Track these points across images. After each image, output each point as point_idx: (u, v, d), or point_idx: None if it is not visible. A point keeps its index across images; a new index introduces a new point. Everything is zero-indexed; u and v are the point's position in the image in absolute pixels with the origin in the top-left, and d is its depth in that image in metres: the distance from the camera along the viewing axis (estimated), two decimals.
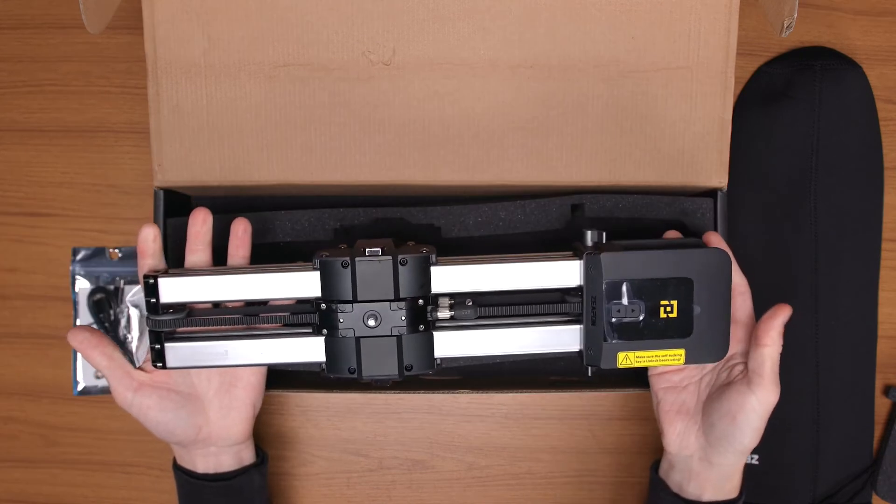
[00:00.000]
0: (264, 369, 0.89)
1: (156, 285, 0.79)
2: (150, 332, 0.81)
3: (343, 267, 0.77)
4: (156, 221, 0.91)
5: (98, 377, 1.07)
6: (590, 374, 0.81)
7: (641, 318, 0.78)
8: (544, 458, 1.09)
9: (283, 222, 0.92)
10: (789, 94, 1.03)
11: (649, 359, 0.79)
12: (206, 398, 0.87)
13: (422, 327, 0.79)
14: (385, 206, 0.92)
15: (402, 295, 0.78)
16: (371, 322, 0.78)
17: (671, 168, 0.89)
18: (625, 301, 0.77)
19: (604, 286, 0.77)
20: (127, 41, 1.06)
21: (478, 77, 0.87)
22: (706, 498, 0.85)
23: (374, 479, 1.09)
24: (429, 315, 0.80)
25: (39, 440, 1.09)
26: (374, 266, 0.77)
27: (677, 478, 0.88)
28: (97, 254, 1.07)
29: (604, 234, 0.80)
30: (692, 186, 0.89)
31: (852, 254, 1.04)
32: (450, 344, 0.81)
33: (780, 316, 0.78)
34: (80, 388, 1.08)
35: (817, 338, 1.03)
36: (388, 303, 0.78)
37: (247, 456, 0.91)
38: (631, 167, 0.89)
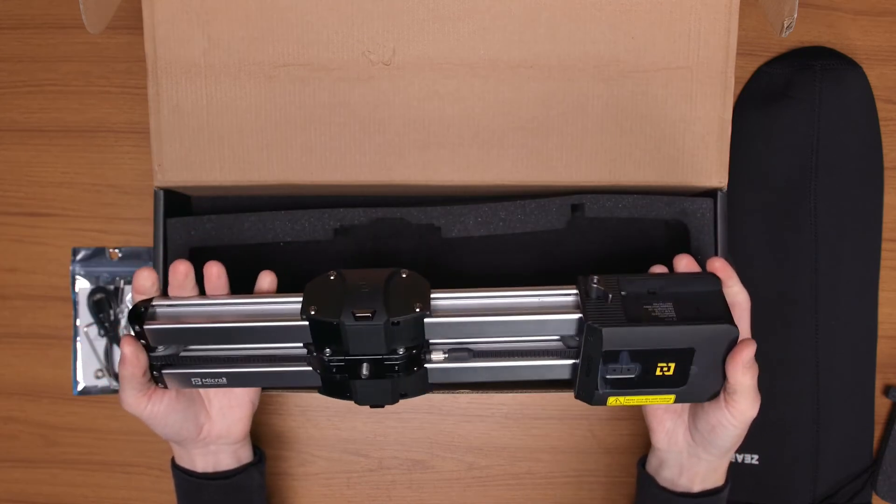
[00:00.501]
0: None
1: (143, 333, 0.78)
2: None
3: (334, 325, 0.75)
4: (156, 221, 0.90)
5: (98, 377, 1.07)
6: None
7: (636, 375, 0.77)
8: (544, 458, 1.09)
9: (283, 222, 0.92)
10: (789, 94, 1.03)
11: (639, 400, 0.79)
12: (208, 397, 0.88)
13: (416, 368, 0.78)
14: (385, 206, 0.92)
15: (394, 347, 0.76)
16: (365, 371, 0.77)
17: (671, 168, 0.89)
18: (622, 364, 0.76)
19: (602, 353, 0.75)
20: (127, 41, 1.06)
21: (478, 77, 0.87)
22: (696, 489, 0.86)
23: (374, 479, 1.09)
24: (423, 357, 0.79)
25: (39, 440, 1.09)
26: (365, 328, 0.74)
27: (667, 473, 0.88)
28: (97, 254, 1.07)
29: (608, 281, 0.78)
30: (692, 186, 0.89)
31: (852, 254, 1.04)
32: (444, 374, 0.80)
33: (742, 354, 0.76)
34: (80, 388, 1.08)
35: (817, 338, 1.03)
36: (381, 356, 0.77)
37: (245, 454, 0.92)
38: (631, 167, 0.89)
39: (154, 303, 0.79)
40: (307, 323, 0.75)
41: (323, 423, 1.09)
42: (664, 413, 0.87)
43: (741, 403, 0.78)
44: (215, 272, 0.82)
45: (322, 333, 0.76)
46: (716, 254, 0.90)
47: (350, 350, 0.76)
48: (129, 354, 0.79)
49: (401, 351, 0.76)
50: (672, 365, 0.76)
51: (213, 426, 0.88)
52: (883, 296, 1.05)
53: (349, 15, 0.86)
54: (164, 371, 0.81)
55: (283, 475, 1.09)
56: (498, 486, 1.09)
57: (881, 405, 1.07)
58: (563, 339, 0.78)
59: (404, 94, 0.87)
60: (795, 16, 0.79)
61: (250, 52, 0.87)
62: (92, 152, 1.07)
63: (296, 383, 0.81)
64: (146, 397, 0.82)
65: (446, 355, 0.79)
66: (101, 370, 1.07)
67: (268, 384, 0.84)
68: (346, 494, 1.10)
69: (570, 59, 0.87)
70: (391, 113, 0.87)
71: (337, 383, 0.79)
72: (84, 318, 1.07)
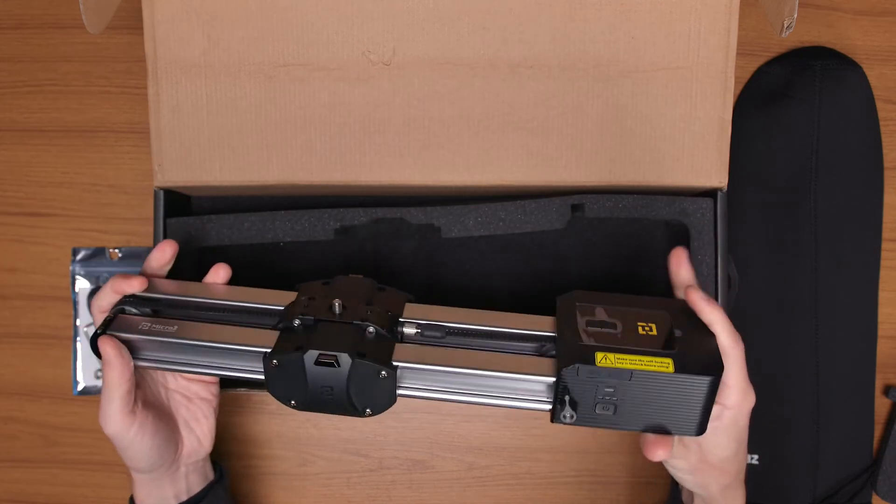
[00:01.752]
0: (216, 380, 0.87)
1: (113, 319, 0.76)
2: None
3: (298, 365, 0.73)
4: (156, 221, 0.91)
5: (98, 377, 1.07)
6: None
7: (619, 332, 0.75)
8: (544, 458, 1.09)
9: (284, 222, 0.92)
10: (789, 94, 1.03)
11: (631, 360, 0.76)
12: (176, 411, 0.85)
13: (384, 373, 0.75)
14: (385, 206, 0.92)
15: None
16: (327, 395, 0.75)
17: (671, 168, 0.89)
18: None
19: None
20: (127, 41, 1.06)
21: (478, 77, 0.87)
22: None
23: (374, 479, 1.09)
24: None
25: (39, 440, 1.09)
26: (328, 373, 0.73)
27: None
28: (97, 254, 1.07)
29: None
30: (692, 186, 0.89)
31: (852, 254, 1.04)
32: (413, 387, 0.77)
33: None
34: (80, 388, 1.08)
35: (817, 338, 1.03)
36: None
37: (208, 471, 0.89)
38: (631, 167, 0.89)
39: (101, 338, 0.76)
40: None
41: (323, 423, 1.09)
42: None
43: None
44: (223, 275, 0.81)
45: (286, 370, 0.74)
46: (716, 253, 0.90)
47: (310, 384, 0.74)
48: (117, 357, 0.74)
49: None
50: (653, 325, 0.75)
51: (184, 443, 0.84)
52: (883, 296, 1.05)
53: (349, 15, 0.86)
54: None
55: (283, 475, 1.09)
56: (498, 486, 1.09)
57: (881, 405, 1.06)
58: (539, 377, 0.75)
59: (404, 94, 0.87)
60: (795, 16, 0.79)
61: (250, 51, 0.87)
62: (92, 152, 1.07)
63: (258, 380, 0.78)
64: (133, 415, 0.77)
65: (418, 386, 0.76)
66: (101, 370, 1.06)
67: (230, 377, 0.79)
68: (346, 494, 1.10)
69: (570, 58, 0.87)
70: (391, 113, 0.87)
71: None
72: (84, 318, 1.07)
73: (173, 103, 0.87)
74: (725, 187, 0.89)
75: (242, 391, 0.98)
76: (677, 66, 0.87)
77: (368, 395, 0.74)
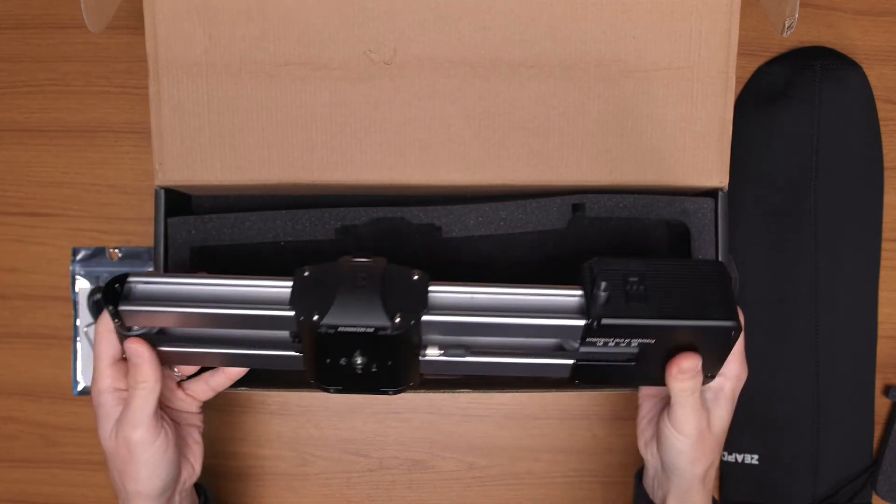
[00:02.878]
0: (199, 408, 0.85)
1: (118, 314, 0.72)
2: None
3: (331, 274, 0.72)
4: (156, 220, 0.90)
5: None
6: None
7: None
8: (544, 458, 1.09)
9: (284, 222, 0.92)
10: (789, 94, 1.03)
11: None
12: (174, 431, 0.80)
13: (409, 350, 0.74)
14: (386, 206, 0.92)
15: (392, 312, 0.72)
16: (357, 358, 0.73)
17: (672, 168, 0.89)
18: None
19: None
20: (127, 41, 1.06)
21: (479, 76, 0.87)
22: None
23: (374, 479, 1.09)
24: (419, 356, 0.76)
25: (39, 440, 1.09)
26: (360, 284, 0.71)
27: (649, 482, 0.88)
28: (97, 254, 1.07)
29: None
30: (693, 186, 0.89)
31: (852, 254, 1.04)
32: (436, 367, 0.77)
33: (679, 362, 0.76)
34: (80, 388, 1.08)
35: (817, 338, 1.03)
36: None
37: (195, 497, 0.87)
38: (632, 167, 0.89)
39: (130, 279, 0.73)
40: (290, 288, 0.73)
41: (323, 423, 1.09)
42: (647, 423, 0.86)
43: (676, 412, 0.78)
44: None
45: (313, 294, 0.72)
46: (717, 253, 0.90)
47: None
48: (151, 365, 0.71)
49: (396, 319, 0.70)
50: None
51: (184, 468, 0.82)
52: (883, 296, 1.05)
53: (350, 14, 0.86)
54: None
55: (283, 475, 1.09)
56: (498, 486, 1.09)
57: (881, 405, 1.07)
58: (562, 343, 0.76)
59: (405, 94, 0.87)
60: (797, 16, 0.79)
61: (251, 50, 0.87)
62: (92, 152, 1.07)
63: (280, 366, 0.77)
64: (162, 420, 0.74)
65: (441, 352, 0.75)
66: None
67: (252, 365, 0.79)
68: (346, 494, 1.10)
69: (571, 58, 0.87)
70: (392, 112, 0.87)
71: (325, 367, 0.75)
72: (84, 318, 1.07)
73: (174, 102, 0.87)
74: (726, 187, 0.89)
75: (243, 390, 0.98)
76: (678, 66, 0.87)
77: (400, 299, 0.71)
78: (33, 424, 1.09)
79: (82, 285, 1.07)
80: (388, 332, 0.70)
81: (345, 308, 0.70)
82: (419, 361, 0.76)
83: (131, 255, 1.07)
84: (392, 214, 0.92)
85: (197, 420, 0.85)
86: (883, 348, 1.06)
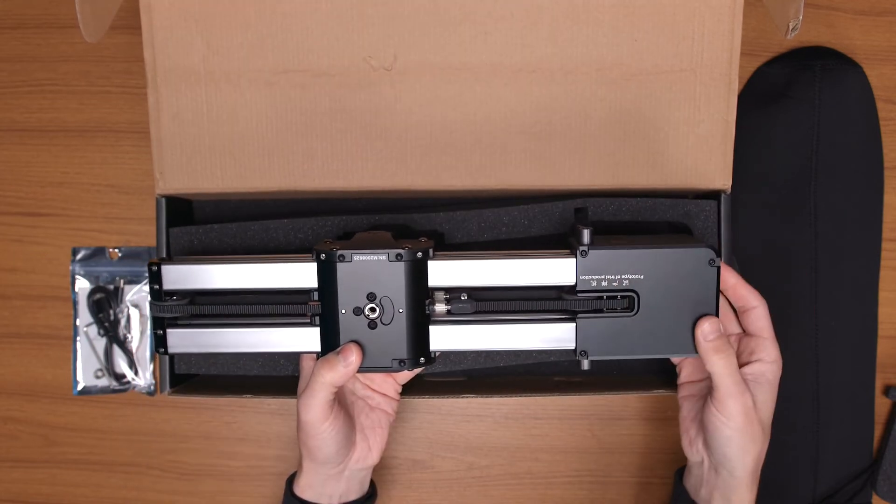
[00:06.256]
0: (398, 396, 0.92)
1: (159, 272, 0.80)
2: (154, 318, 0.82)
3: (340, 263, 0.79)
4: (158, 230, 0.90)
5: (98, 377, 1.07)
6: (586, 366, 0.82)
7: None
8: (544, 458, 1.09)
9: (286, 230, 0.92)
10: (789, 94, 1.03)
11: None
12: (357, 417, 0.89)
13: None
14: (388, 213, 0.92)
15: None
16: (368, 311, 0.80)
17: (675, 171, 0.89)
18: None
19: None
20: (126, 41, 1.05)
21: (480, 81, 0.87)
22: None
23: (374, 479, 1.09)
24: (426, 309, 0.81)
25: (39, 440, 1.09)
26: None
27: (692, 482, 0.89)
28: (97, 254, 1.07)
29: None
30: (696, 189, 0.89)
31: (852, 254, 1.04)
32: (446, 338, 0.82)
33: (702, 327, 0.79)
34: (79, 387, 1.08)
35: (817, 338, 1.03)
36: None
37: (366, 483, 0.93)
38: (634, 170, 0.89)
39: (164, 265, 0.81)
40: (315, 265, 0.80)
41: None
42: (691, 421, 0.87)
43: (720, 394, 0.79)
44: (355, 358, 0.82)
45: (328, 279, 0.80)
46: (719, 255, 0.90)
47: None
48: (354, 359, 0.79)
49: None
50: None
51: (356, 448, 0.88)
52: (883, 296, 1.05)
53: (350, 20, 0.86)
54: (168, 330, 0.83)
55: (283, 475, 1.09)
56: (498, 486, 1.09)
57: (881, 405, 1.07)
58: (564, 300, 0.81)
59: (406, 100, 0.87)
60: (801, 17, 0.79)
61: (250, 58, 0.86)
62: (92, 152, 1.07)
63: (295, 349, 0.84)
64: (331, 409, 0.81)
65: (449, 307, 0.81)
66: (100, 370, 1.07)
67: (268, 350, 0.85)
68: None
69: (572, 62, 0.87)
70: (393, 118, 0.87)
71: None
72: (84, 317, 1.07)
73: (174, 111, 0.87)
74: (729, 189, 0.90)
75: (248, 398, 0.98)
76: (681, 69, 0.87)
77: (410, 240, 0.82)
78: (33, 424, 1.09)
79: (82, 285, 1.07)
80: (402, 257, 0.79)
81: (360, 243, 0.80)
82: (429, 325, 0.81)
83: (131, 255, 1.07)
84: (394, 221, 0.92)
85: (389, 407, 0.91)
86: (883, 348, 1.06)
